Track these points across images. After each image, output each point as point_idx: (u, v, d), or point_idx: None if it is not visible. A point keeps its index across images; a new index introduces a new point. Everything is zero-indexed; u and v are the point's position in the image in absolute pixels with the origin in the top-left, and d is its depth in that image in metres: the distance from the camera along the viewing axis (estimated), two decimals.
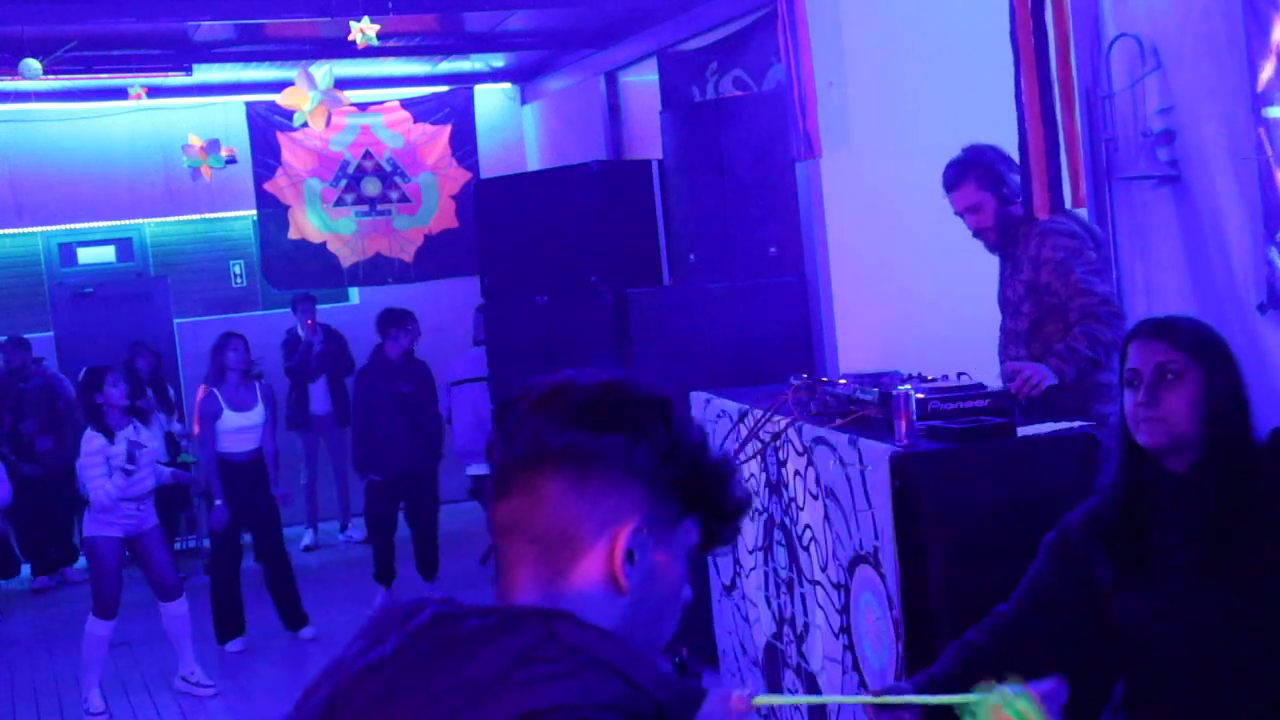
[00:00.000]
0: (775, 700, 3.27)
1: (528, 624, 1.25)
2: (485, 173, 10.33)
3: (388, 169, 10.84)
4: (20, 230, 10.73)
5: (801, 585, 4.10)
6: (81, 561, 10.00)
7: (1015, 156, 4.67)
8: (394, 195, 10.87)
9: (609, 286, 6.84)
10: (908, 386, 3.48)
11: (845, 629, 3.72)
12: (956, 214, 4.61)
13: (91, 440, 6.54)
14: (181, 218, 11.11)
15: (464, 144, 10.92)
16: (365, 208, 10.81)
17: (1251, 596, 2.45)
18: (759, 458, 4.30)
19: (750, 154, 6.62)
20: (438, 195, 10.94)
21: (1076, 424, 3.45)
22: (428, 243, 10.92)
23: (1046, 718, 2.11)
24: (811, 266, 6.53)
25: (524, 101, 11.55)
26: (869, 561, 3.47)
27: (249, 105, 10.43)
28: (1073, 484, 3.09)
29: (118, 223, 11.02)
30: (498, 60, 10.71)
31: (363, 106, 10.56)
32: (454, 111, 10.91)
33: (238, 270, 11.42)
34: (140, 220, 11.07)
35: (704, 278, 6.70)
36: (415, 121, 10.87)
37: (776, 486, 4.24)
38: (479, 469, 8.30)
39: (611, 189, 7.14)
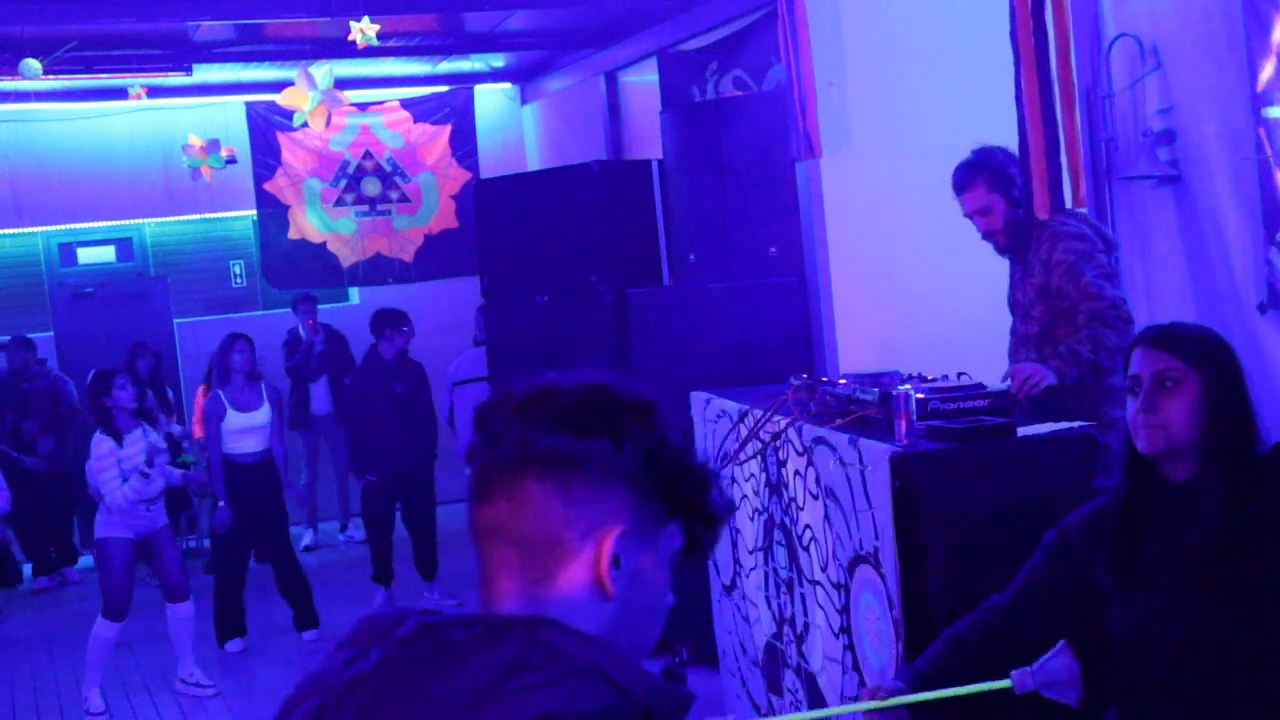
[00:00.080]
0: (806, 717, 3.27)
1: (513, 632, 1.23)
2: (485, 173, 10.33)
3: (388, 169, 10.84)
4: (20, 230, 10.73)
5: (801, 585, 4.10)
6: (81, 562, 10.02)
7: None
8: (394, 195, 10.87)
9: (609, 286, 6.84)
10: (908, 386, 3.48)
11: (845, 629, 3.72)
12: (966, 216, 4.58)
13: (101, 443, 6.55)
14: (181, 218, 11.11)
15: (464, 144, 10.92)
16: (365, 208, 10.81)
17: (1243, 611, 2.43)
18: (759, 458, 4.30)
19: (750, 154, 6.62)
20: (438, 195, 10.94)
21: (1076, 424, 3.45)
22: (428, 243, 10.92)
23: None
24: (811, 266, 6.53)
25: (524, 101, 11.56)
26: (869, 561, 3.47)
27: (249, 105, 10.44)
28: (1073, 484, 3.09)
29: (118, 223, 11.02)
30: (498, 60, 10.71)
31: (363, 106, 10.56)
32: (454, 111, 10.91)
33: (238, 270, 11.42)
34: (140, 220, 11.07)
35: (704, 278, 6.70)
36: (415, 121, 10.87)
37: (776, 486, 4.24)
38: None
39: (611, 189, 7.14)
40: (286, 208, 10.64)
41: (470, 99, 10.96)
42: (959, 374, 3.77)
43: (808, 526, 3.97)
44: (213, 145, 10.00)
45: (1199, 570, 2.46)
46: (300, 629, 7.60)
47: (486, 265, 7.62)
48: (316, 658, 1.39)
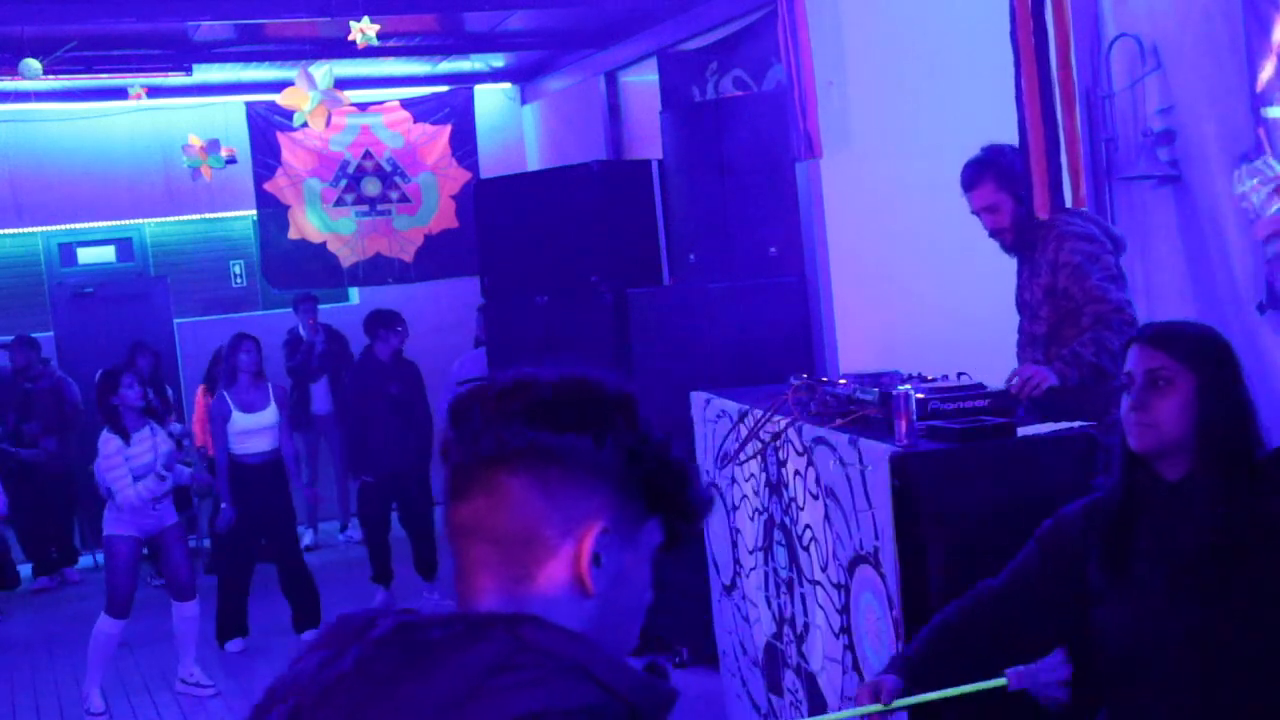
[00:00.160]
0: None
1: (494, 630, 1.21)
2: (485, 173, 10.33)
3: (388, 169, 10.84)
4: (20, 230, 10.73)
5: (801, 585, 4.10)
6: (81, 562, 10.03)
7: None
8: (394, 195, 10.87)
9: (609, 286, 6.84)
10: (908, 386, 3.48)
11: (845, 629, 3.72)
12: (973, 213, 4.57)
13: (109, 442, 6.57)
14: (181, 218, 11.11)
15: (464, 144, 10.92)
16: (365, 208, 10.81)
17: (1233, 612, 2.42)
18: (759, 458, 4.30)
19: (750, 154, 6.62)
20: (438, 195, 10.94)
21: (1076, 424, 3.45)
22: (428, 243, 10.92)
23: None
24: (811, 266, 6.53)
25: (524, 101, 11.56)
26: (869, 561, 3.47)
27: (249, 105, 10.43)
28: (1073, 484, 3.09)
29: (118, 223, 11.02)
30: (498, 60, 10.71)
31: (363, 106, 10.56)
32: (454, 111, 10.91)
33: (238, 270, 11.42)
34: (140, 220, 11.07)
35: (704, 278, 6.70)
36: (415, 121, 10.87)
37: (776, 486, 4.24)
38: None
39: (611, 189, 7.14)
40: (286, 208, 10.64)
41: (470, 99, 10.96)
42: (959, 374, 3.77)
43: (808, 526, 3.97)
44: (213, 145, 10.00)
45: (1188, 570, 2.45)
46: (300, 629, 7.59)
47: (486, 265, 7.62)
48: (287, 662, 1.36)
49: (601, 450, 1.30)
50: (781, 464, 4.15)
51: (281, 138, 10.51)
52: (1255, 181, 2.36)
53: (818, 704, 4.03)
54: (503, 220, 7.42)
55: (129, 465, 6.51)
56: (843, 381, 3.94)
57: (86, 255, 11.11)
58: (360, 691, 1.21)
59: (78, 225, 10.91)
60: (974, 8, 5.29)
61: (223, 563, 7.74)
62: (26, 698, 7.08)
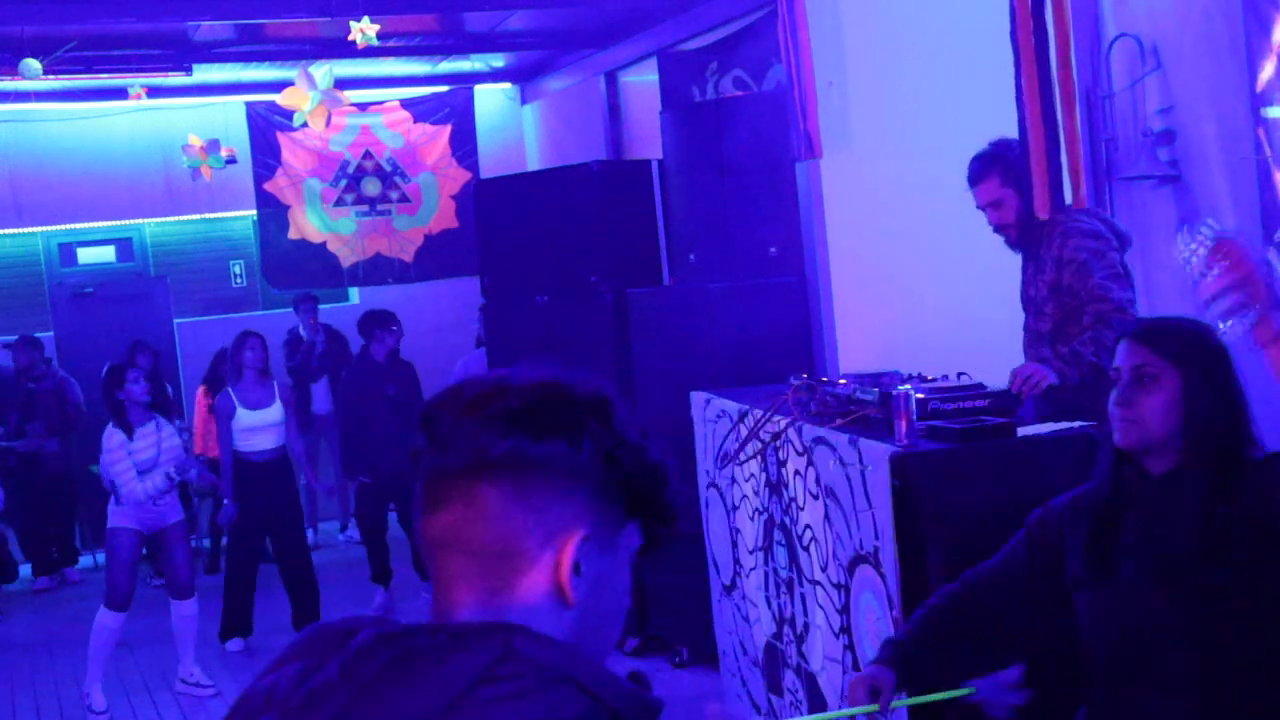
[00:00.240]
0: None
1: (485, 640, 1.18)
2: (485, 173, 10.33)
3: (388, 169, 10.84)
4: (20, 230, 10.73)
5: (801, 585, 4.10)
6: (81, 562, 10.03)
7: None
8: (394, 195, 10.87)
9: (609, 286, 6.84)
10: (908, 386, 3.48)
11: (845, 629, 3.72)
12: (979, 208, 4.56)
13: (112, 436, 6.59)
14: (181, 218, 11.12)
15: (464, 144, 10.92)
16: (365, 208, 10.81)
17: (1209, 610, 2.41)
18: (759, 458, 4.30)
19: (750, 154, 6.62)
20: (438, 195, 10.94)
21: (1076, 424, 3.45)
22: (428, 243, 10.92)
23: None
24: (811, 266, 6.53)
25: (524, 101, 11.56)
26: (869, 561, 3.47)
27: (249, 105, 10.44)
28: (1072, 484, 3.08)
29: (118, 223, 11.02)
30: (498, 60, 10.71)
31: (363, 106, 10.56)
32: (454, 111, 10.91)
33: (238, 270, 11.42)
34: (140, 220, 11.07)
35: (704, 278, 6.70)
36: (415, 121, 10.87)
37: (776, 486, 4.24)
38: None
39: (611, 189, 7.13)
40: (286, 208, 10.64)
41: (470, 99, 10.96)
42: (959, 374, 3.77)
43: (808, 526, 3.97)
44: (213, 145, 10.01)
45: (1171, 566, 2.45)
46: (299, 628, 7.58)
47: (486, 265, 7.62)
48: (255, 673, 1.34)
49: (579, 455, 1.27)
50: (781, 464, 4.15)
51: (281, 138, 10.51)
52: (1194, 245, 2.35)
53: (818, 704, 4.03)
54: (503, 220, 7.42)
55: (132, 460, 6.53)
56: (843, 381, 3.94)
57: (86, 255, 11.11)
58: (346, 702, 1.18)
59: (78, 225, 10.91)
60: (974, 8, 5.29)
61: (229, 560, 7.73)
62: (26, 698, 7.08)
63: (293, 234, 10.66)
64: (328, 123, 8.65)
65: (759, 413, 4.21)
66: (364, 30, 7.24)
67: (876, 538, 3.40)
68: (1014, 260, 4.64)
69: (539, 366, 1.33)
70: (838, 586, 3.74)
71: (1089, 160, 4.84)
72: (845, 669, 3.74)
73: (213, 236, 11.35)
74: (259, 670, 1.30)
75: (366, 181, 10.80)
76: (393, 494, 8.20)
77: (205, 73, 9.56)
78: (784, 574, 4.26)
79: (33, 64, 7.77)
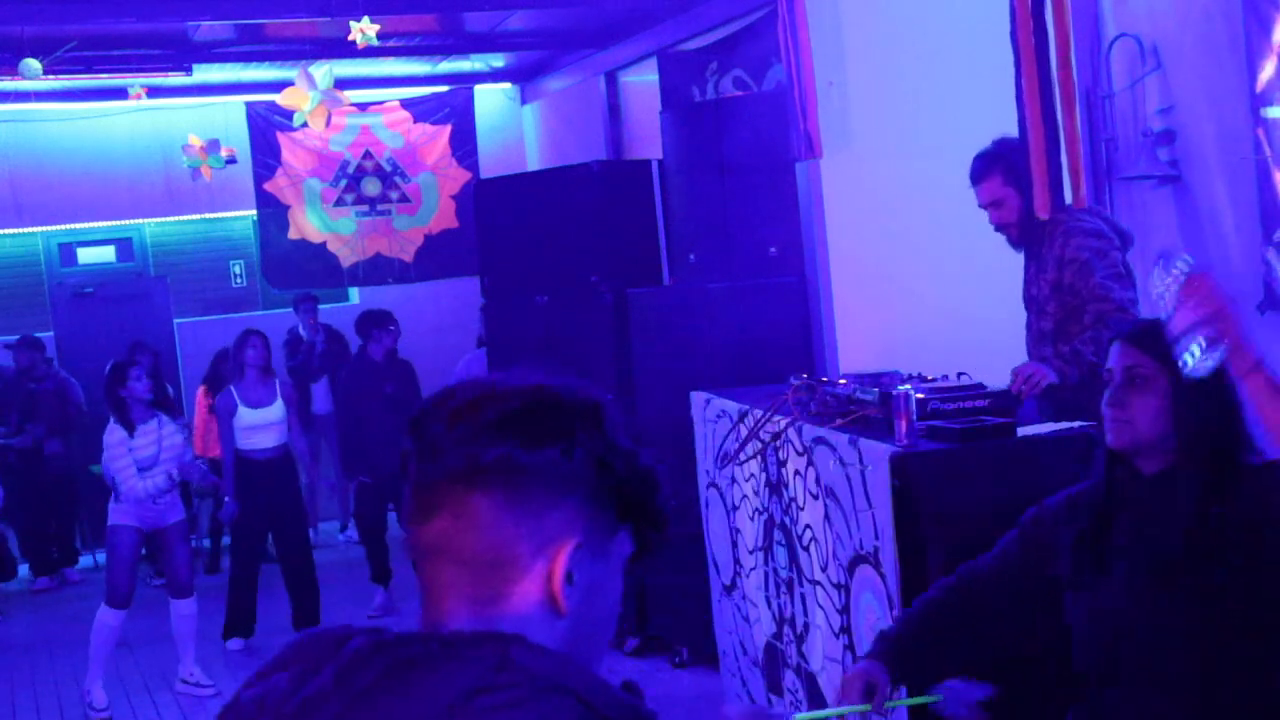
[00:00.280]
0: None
1: (481, 649, 1.17)
2: (485, 173, 10.33)
3: (388, 169, 10.84)
4: (20, 230, 10.73)
5: (801, 585, 4.10)
6: (81, 562, 10.03)
7: None
8: (394, 195, 10.87)
9: (609, 286, 6.84)
10: (908, 386, 3.48)
11: (845, 629, 3.72)
12: (981, 207, 4.56)
13: (113, 433, 6.59)
14: (181, 218, 11.12)
15: (464, 144, 10.92)
16: (365, 208, 10.82)
17: (1197, 612, 2.41)
18: (759, 458, 4.30)
19: (750, 154, 6.62)
20: (438, 195, 10.94)
21: (1076, 424, 3.45)
22: (428, 243, 10.92)
23: None
24: (811, 266, 6.53)
25: (524, 101, 11.56)
26: (869, 561, 3.47)
27: (249, 105, 10.44)
28: (1072, 484, 3.08)
29: (118, 223, 11.02)
30: (498, 60, 10.71)
31: (363, 106, 10.56)
32: (454, 111, 10.91)
33: (238, 270, 11.43)
34: (140, 220, 11.07)
35: (704, 278, 6.70)
36: (415, 121, 10.87)
37: (776, 486, 4.24)
38: None
39: (611, 189, 7.14)
40: (286, 208, 10.64)
41: (470, 99, 10.96)
42: (959, 374, 3.77)
43: (808, 526, 3.97)
44: (213, 145, 10.01)
45: (1161, 568, 2.45)
46: (299, 628, 7.59)
47: (486, 265, 7.62)
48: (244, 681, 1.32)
49: (571, 461, 1.25)
50: (781, 464, 4.15)
51: (281, 138, 10.51)
52: (1169, 279, 2.37)
53: (818, 704, 4.03)
54: (503, 220, 7.42)
55: (132, 457, 6.54)
56: (843, 381, 3.94)
57: (86, 255, 11.11)
58: (339, 708, 1.17)
59: (78, 225, 10.91)
60: (974, 8, 5.29)
61: (232, 560, 7.73)
62: (26, 698, 7.08)
63: (293, 234, 10.66)
64: (328, 123, 8.65)
65: (759, 413, 4.21)
66: (364, 30, 7.24)
67: (876, 538, 3.40)
68: (1014, 260, 4.64)
69: (529, 372, 1.32)
70: (838, 586, 3.74)
71: (1089, 160, 4.85)
72: (845, 669, 3.74)
73: (213, 236, 11.35)
74: (246, 677, 1.29)
75: (366, 181, 10.80)
76: (392, 494, 8.20)
77: (205, 73, 9.56)
78: (784, 574, 4.26)
79: (33, 64, 7.77)
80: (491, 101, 11.40)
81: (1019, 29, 4.59)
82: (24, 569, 9.84)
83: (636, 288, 6.80)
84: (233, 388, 7.45)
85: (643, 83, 9.10)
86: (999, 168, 4.46)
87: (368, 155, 10.79)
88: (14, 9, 7.34)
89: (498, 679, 1.15)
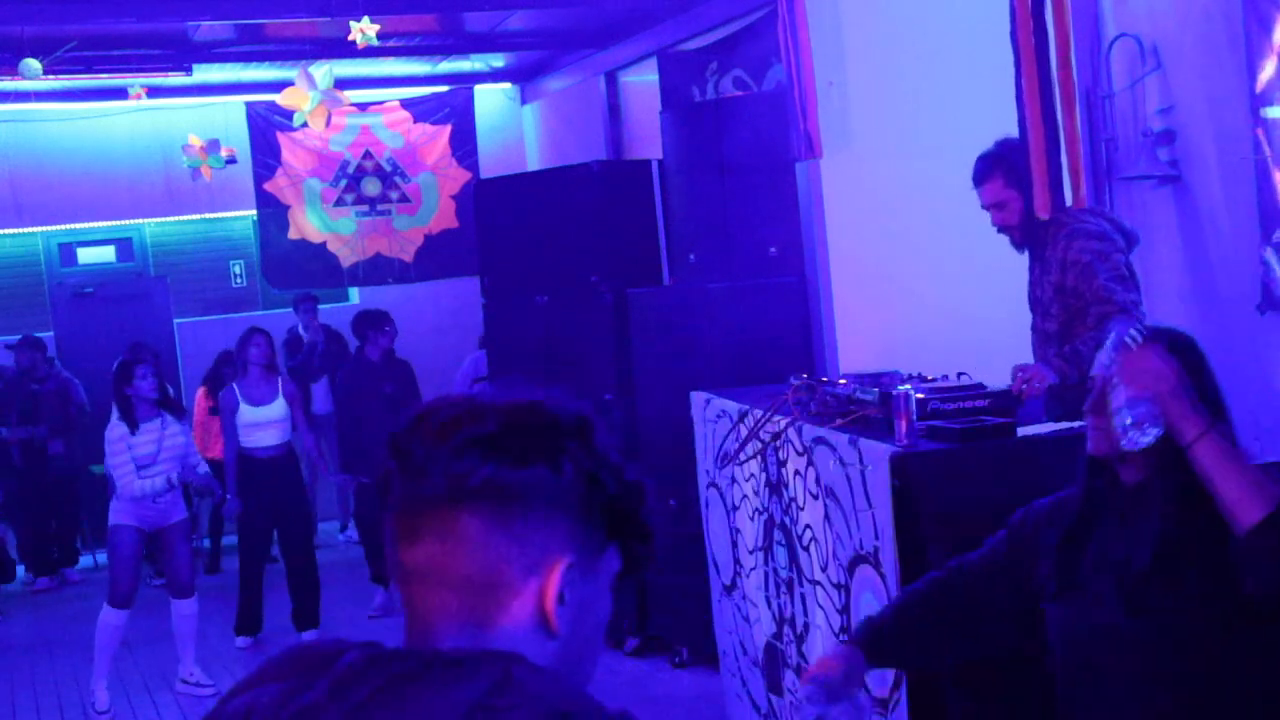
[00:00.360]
0: None
1: (482, 667, 1.15)
2: (485, 173, 10.33)
3: (388, 169, 10.84)
4: (20, 230, 10.74)
5: (802, 585, 4.10)
6: (81, 562, 10.03)
7: None
8: (394, 195, 10.87)
9: (609, 286, 6.84)
10: (908, 386, 3.48)
11: (846, 629, 3.72)
12: (984, 209, 4.55)
13: (114, 429, 6.61)
14: (181, 218, 11.12)
15: (464, 144, 10.92)
16: (365, 208, 10.82)
17: (1167, 624, 2.39)
18: (759, 458, 4.30)
19: (750, 154, 6.61)
20: (438, 195, 10.94)
21: (1077, 424, 3.45)
22: (428, 243, 10.92)
23: None
24: (811, 266, 6.53)
25: (524, 101, 11.56)
26: (869, 561, 3.47)
27: (249, 105, 10.44)
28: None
29: (118, 223, 11.03)
30: (498, 60, 10.71)
31: (363, 106, 10.56)
32: (454, 111, 10.91)
33: (238, 270, 11.43)
34: (140, 220, 11.08)
35: (704, 278, 6.70)
36: (415, 121, 10.88)
37: (776, 486, 4.24)
38: None
39: (611, 189, 7.14)
40: (286, 208, 10.64)
41: (470, 99, 10.96)
42: (959, 374, 3.77)
43: (808, 526, 3.97)
44: (213, 145, 10.01)
45: (1136, 577, 2.44)
46: (300, 628, 7.59)
47: (486, 265, 7.63)
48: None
49: (560, 479, 1.22)
50: (781, 464, 4.15)
51: (281, 138, 10.51)
52: (1117, 353, 2.43)
53: None
54: (503, 220, 7.43)
55: (131, 454, 6.54)
56: (843, 381, 3.94)
57: (86, 255, 11.12)
58: (334, 719, 1.15)
59: (78, 225, 10.91)
60: (974, 8, 5.29)
61: (241, 558, 7.74)
62: (26, 698, 7.08)
63: (293, 234, 10.66)
64: (328, 123, 8.65)
65: (759, 413, 4.21)
66: (364, 30, 7.25)
67: (876, 538, 3.40)
68: (1013, 260, 4.64)
69: (513, 386, 1.29)
70: (838, 586, 3.74)
71: (1089, 160, 4.84)
72: None
73: (213, 236, 11.35)
74: (231, 685, 1.26)
75: (366, 181, 10.80)
76: None
77: (205, 73, 9.56)
78: (784, 574, 4.26)
79: (33, 64, 7.77)
80: (491, 101, 11.40)
81: (1019, 29, 4.59)
82: (22, 569, 9.83)
83: (636, 288, 6.80)
84: (235, 385, 7.46)
85: (643, 83, 9.10)
86: (1000, 170, 4.45)
87: (368, 155, 10.79)
88: (14, 9, 7.34)
89: (498, 700, 1.12)
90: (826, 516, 3.77)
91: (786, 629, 4.29)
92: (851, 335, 6.38)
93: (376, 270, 10.86)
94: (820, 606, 3.92)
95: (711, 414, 4.88)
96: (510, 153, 11.24)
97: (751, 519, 4.55)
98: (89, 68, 8.72)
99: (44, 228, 10.82)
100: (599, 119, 9.75)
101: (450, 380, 9.11)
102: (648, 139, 8.56)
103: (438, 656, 1.17)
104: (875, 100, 6.22)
